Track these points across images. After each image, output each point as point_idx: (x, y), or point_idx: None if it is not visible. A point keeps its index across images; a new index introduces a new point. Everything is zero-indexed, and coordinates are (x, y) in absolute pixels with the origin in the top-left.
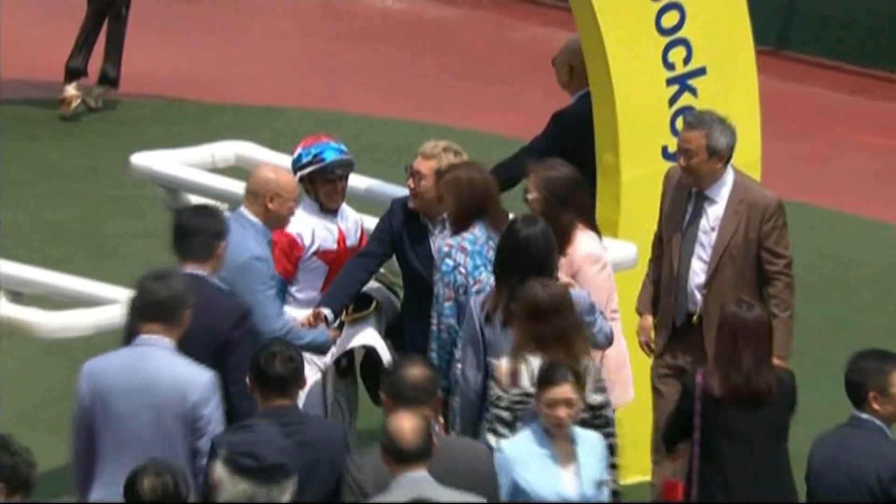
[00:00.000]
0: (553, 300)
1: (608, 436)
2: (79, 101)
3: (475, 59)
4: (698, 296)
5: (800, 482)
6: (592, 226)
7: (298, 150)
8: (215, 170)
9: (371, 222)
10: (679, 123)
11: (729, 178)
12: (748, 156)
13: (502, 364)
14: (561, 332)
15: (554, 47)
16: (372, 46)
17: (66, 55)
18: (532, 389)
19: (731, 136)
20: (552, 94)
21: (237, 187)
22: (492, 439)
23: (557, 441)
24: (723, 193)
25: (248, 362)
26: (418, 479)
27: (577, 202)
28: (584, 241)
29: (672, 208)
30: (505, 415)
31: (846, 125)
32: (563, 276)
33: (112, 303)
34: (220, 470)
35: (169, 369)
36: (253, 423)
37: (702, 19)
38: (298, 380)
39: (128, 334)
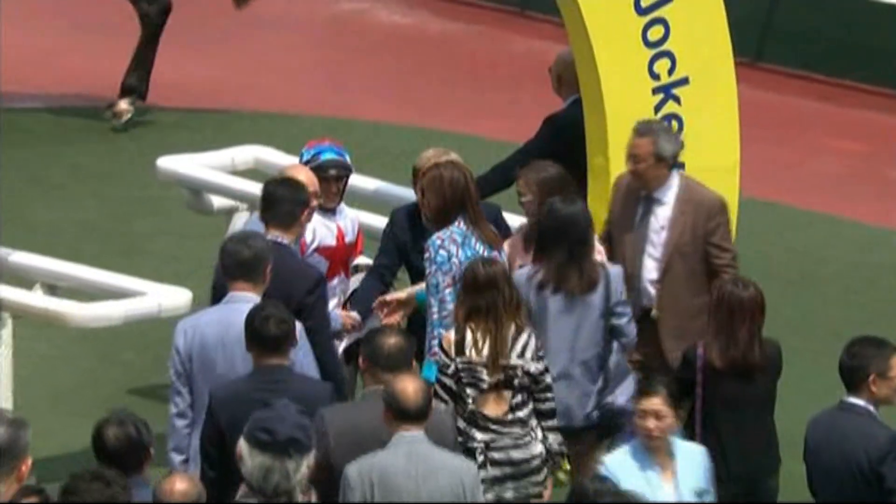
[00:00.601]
0: (489, 276)
1: (546, 400)
2: (129, 115)
3: (475, 69)
4: (652, 291)
5: (790, 461)
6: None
7: (302, 151)
8: (235, 172)
9: (370, 220)
10: None
11: (675, 181)
12: (728, 159)
13: (449, 334)
14: (494, 304)
15: (548, 59)
16: (379, 58)
17: (96, 65)
18: (476, 359)
19: (676, 144)
20: (545, 101)
21: (256, 188)
22: (441, 408)
23: (657, 454)
24: (670, 195)
25: (325, 325)
26: (413, 438)
27: (570, 196)
28: None
29: (623, 211)
30: (449, 382)
31: (817, 131)
32: (599, 254)
33: (140, 295)
34: (241, 444)
35: None
36: (273, 401)
37: (685, 33)
38: (291, 339)
39: (215, 295)
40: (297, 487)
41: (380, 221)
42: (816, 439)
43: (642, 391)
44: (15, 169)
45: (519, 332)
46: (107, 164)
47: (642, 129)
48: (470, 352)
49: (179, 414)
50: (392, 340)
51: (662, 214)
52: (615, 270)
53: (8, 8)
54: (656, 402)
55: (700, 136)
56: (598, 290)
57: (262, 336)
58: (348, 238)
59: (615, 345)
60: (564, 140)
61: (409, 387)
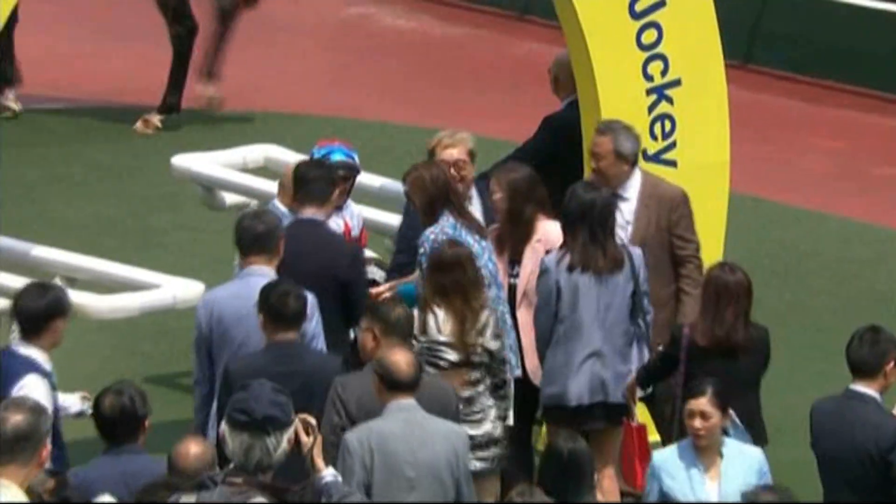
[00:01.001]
0: (454, 257)
1: (501, 372)
2: (157, 129)
3: (476, 71)
4: None
5: (776, 448)
6: (551, 215)
7: (313, 150)
8: (246, 170)
9: (376, 215)
10: (657, 129)
11: (637, 177)
12: (718, 157)
13: (413, 315)
14: (459, 284)
15: (547, 61)
16: (385, 60)
17: (115, 68)
18: (441, 338)
19: (635, 142)
20: (544, 102)
21: (266, 185)
22: None
23: (704, 454)
24: (633, 191)
25: (365, 297)
26: (407, 406)
27: (537, 197)
28: (549, 226)
29: None
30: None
31: (803, 130)
32: (620, 232)
33: (156, 287)
34: (223, 426)
35: None
36: (248, 382)
37: (677, 36)
38: (305, 315)
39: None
40: (279, 462)
41: (385, 217)
42: (823, 427)
43: (689, 392)
44: (38, 166)
45: (480, 312)
46: (125, 163)
47: (602, 129)
48: (434, 331)
49: (197, 382)
50: (399, 310)
51: (627, 210)
52: (637, 251)
53: (33, 14)
54: (702, 402)
55: (692, 134)
56: (624, 270)
57: (281, 312)
58: (354, 233)
59: (642, 325)
60: (562, 139)
61: (401, 359)
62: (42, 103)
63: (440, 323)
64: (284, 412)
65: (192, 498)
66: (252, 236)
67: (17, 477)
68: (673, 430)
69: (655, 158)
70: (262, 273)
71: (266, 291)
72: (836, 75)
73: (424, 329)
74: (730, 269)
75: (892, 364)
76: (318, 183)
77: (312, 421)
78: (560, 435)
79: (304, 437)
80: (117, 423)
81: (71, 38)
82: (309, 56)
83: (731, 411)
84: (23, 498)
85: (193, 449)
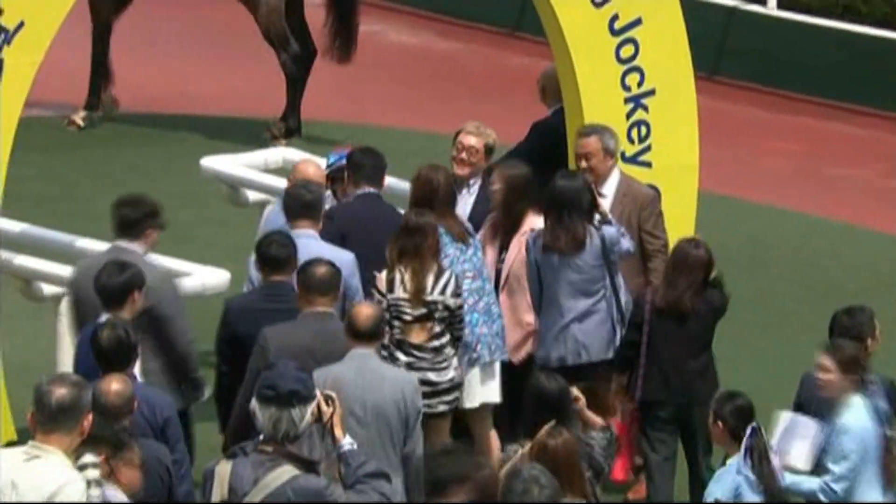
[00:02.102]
0: (419, 224)
1: (460, 329)
2: (284, 143)
3: (472, 82)
4: None
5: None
6: (540, 212)
7: (329, 154)
8: (267, 170)
9: None
10: (634, 134)
11: (615, 176)
12: (688, 159)
13: (381, 275)
14: (419, 247)
15: (536, 74)
16: (390, 72)
17: (151, 78)
18: (403, 295)
19: (617, 140)
20: (534, 110)
21: (284, 184)
22: None
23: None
24: (610, 189)
25: None
26: (363, 354)
27: (529, 194)
28: (538, 222)
29: None
30: (385, 315)
31: (764, 135)
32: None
33: (186, 275)
34: (253, 402)
35: (317, 251)
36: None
37: (652, 51)
38: (292, 261)
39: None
40: (304, 432)
41: None
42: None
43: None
44: (80, 167)
45: (441, 273)
46: (158, 163)
47: (587, 131)
48: (398, 289)
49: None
50: (322, 269)
51: (605, 205)
52: (610, 231)
53: (73, 31)
54: (824, 359)
55: (665, 139)
56: (589, 249)
57: (266, 256)
58: None
59: (621, 284)
60: (549, 142)
61: (363, 312)
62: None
63: (403, 282)
64: (307, 387)
65: (227, 466)
66: (299, 203)
67: (61, 444)
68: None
69: (632, 160)
70: (307, 235)
71: (259, 242)
72: (794, 86)
73: (391, 287)
74: (695, 245)
75: (870, 340)
76: (371, 166)
77: (333, 395)
78: (539, 375)
79: (324, 408)
80: (114, 353)
81: (112, 51)
82: (322, 68)
83: None
84: (68, 463)
85: (115, 386)
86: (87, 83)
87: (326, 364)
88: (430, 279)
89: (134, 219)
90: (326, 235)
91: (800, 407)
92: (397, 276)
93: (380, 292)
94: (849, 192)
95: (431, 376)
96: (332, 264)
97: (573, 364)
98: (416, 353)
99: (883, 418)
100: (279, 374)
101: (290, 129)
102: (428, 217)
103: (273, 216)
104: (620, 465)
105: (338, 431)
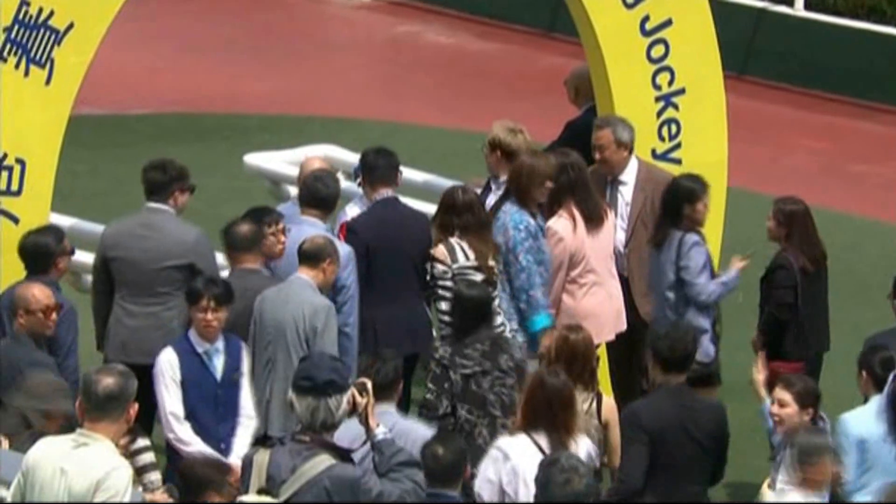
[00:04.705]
0: (466, 201)
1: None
2: None
3: (507, 82)
4: (622, 252)
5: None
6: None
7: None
8: None
9: (419, 207)
10: (665, 132)
11: (634, 164)
12: (717, 156)
13: (439, 248)
14: (467, 224)
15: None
16: (427, 72)
17: (192, 80)
18: (467, 263)
19: (631, 131)
20: (567, 109)
21: None
22: (442, 305)
23: None
24: (630, 177)
25: None
26: (291, 279)
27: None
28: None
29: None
30: (450, 284)
31: (791, 133)
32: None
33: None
34: (290, 393)
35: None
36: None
37: (682, 51)
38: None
39: None
40: (340, 421)
41: (428, 208)
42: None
43: None
44: (127, 163)
45: (491, 242)
46: (202, 160)
47: (601, 123)
48: (460, 258)
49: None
50: (244, 227)
51: (626, 193)
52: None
53: (122, 32)
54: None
55: (694, 136)
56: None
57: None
58: None
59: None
60: (581, 140)
61: (311, 237)
62: (131, 109)
63: (464, 251)
64: (342, 377)
65: (265, 454)
66: (314, 197)
67: (108, 432)
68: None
69: (663, 157)
70: (313, 223)
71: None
72: (820, 85)
73: (454, 257)
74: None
75: None
76: (384, 164)
77: (368, 384)
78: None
79: (359, 399)
80: (35, 257)
81: (155, 53)
82: (362, 69)
83: None
84: (115, 450)
85: (37, 290)
86: (135, 80)
87: (237, 320)
88: (489, 246)
89: (162, 181)
90: (354, 249)
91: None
92: (456, 246)
93: (444, 263)
94: (874, 188)
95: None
96: (254, 223)
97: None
98: None
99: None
100: (315, 365)
101: None
102: (470, 192)
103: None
104: None
105: (372, 421)
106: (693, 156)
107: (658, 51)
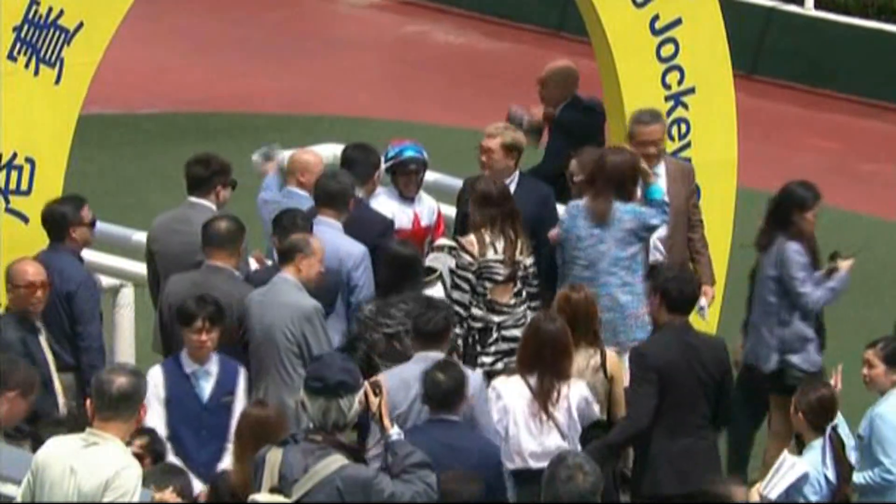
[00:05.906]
0: (500, 192)
1: (533, 285)
2: None
3: (516, 81)
4: (661, 247)
5: None
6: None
7: (388, 147)
8: None
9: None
10: (674, 131)
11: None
12: (727, 154)
13: (470, 238)
14: (509, 214)
15: (581, 73)
16: (437, 71)
17: (202, 79)
18: (494, 257)
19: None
20: None
21: None
22: (456, 294)
23: None
24: (661, 169)
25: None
26: (277, 279)
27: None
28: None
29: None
30: (470, 276)
31: (800, 132)
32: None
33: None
34: (301, 394)
35: (331, 240)
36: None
37: (692, 50)
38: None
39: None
40: (352, 421)
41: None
42: None
43: None
44: (136, 162)
45: (521, 235)
46: None
47: (650, 119)
48: (489, 252)
49: None
50: (222, 224)
51: (661, 184)
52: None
53: (134, 32)
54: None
55: (704, 135)
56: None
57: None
58: (424, 222)
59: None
60: (574, 136)
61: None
62: (141, 109)
63: (494, 245)
64: (353, 377)
65: (277, 453)
66: (326, 193)
67: (119, 432)
68: None
69: (673, 156)
70: (326, 223)
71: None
72: (830, 84)
73: (483, 250)
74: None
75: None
76: (361, 165)
77: (381, 384)
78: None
79: (371, 398)
80: (51, 225)
81: (164, 53)
82: (371, 68)
83: None
84: (125, 449)
85: (28, 266)
86: (144, 80)
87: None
88: (519, 242)
89: (204, 176)
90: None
91: None
92: (487, 240)
93: (471, 254)
94: (883, 187)
95: (516, 332)
96: (235, 222)
97: None
98: (506, 310)
99: None
100: (326, 366)
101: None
102: (502, 183)
103: (269, 180)
104: None
105: (385, 421)
106: (703, 155)
107: (668, 50)
